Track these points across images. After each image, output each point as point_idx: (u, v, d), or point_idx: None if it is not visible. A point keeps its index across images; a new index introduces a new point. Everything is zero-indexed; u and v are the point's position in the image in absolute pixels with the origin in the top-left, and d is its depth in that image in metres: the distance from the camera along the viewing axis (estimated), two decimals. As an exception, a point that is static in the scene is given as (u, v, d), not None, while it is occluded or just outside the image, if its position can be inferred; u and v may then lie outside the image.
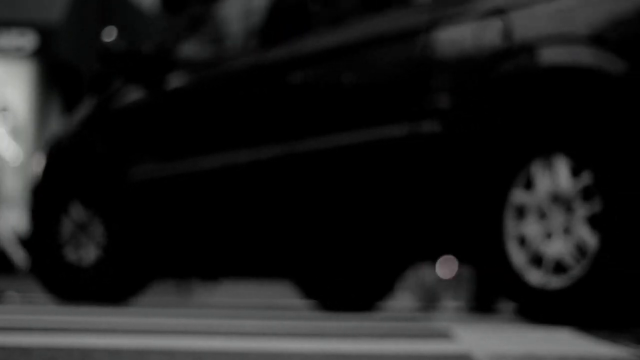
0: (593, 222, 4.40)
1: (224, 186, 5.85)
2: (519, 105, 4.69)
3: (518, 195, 4.66)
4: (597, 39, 4.42)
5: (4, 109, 14.86)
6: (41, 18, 14.21)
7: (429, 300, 11.36)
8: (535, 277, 4.56)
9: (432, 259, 5.51)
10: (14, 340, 2.79)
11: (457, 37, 4.93)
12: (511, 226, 4.67)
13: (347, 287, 6.94)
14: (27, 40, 14.20)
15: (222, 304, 7.95)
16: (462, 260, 5.40)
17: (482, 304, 8.70)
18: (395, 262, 5.77)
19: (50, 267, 6.52)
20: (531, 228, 4.60)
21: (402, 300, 12.43)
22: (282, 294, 13.15)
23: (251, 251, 5.83)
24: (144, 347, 2.68)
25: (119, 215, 6.32)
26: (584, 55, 4.44)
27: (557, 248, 4.52)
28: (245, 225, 5.76)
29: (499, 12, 4.79)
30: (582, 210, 4.45)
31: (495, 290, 4.92)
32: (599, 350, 2.80)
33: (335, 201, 5.38)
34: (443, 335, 3.54)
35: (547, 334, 3.69)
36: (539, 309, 4.57)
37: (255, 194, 5.71)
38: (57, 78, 15.05)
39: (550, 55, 4.56)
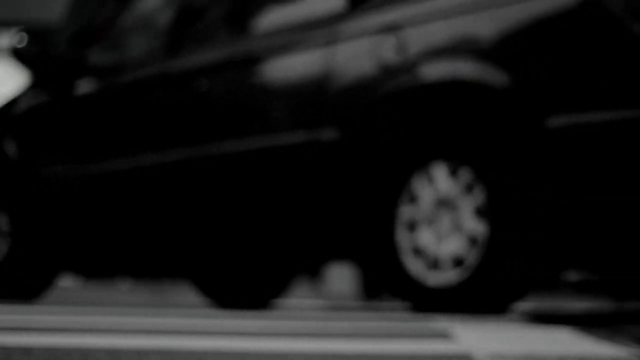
0: (480, 212, 4.73)
1: (127, 188, 6.13)
2: (403, 118, 5.02)
3: (405, 211, 4.98)
4: (482, 54, 4.71)
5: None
6: (41, 18, 14.22)
7: None
8: (433, 279, 4.85)
9: (327, 262, 5.85)
10: (14, 340, 2.79)
11: (355, 51, 5.21)
12: (404, 240, 4.98)
13: (243, 286, 7.22)
14: (27, 40, 14.20)
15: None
16: (355, 263, 5.78)
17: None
18: (291, 263, 6.03)
19: None
20: (424, 238, 4.91)
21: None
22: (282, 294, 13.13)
23: (152, 251, 6.09)
24: (143, 347, 2.68)
25: (28, 214, 6.55)
26: (468, 70, 4.74)
27: (450, 247, 4.83)
28: (148, 226, 6.02)
29: (393, 28, 5.07)
30: (467, 205, 4.78)
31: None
32: (599, 350, 2.81)
33: (234, 203, 5.62)
34: (443, 335, 3.54)
35: (547, 334, 3.69)
36: (440, 307, 4.84)
37: (156, 196, 5.98)
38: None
39: (438, 70, 4.86)
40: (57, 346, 2.65)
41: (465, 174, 4.80)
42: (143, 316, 4.55)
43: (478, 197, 4.75)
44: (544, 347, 2.92)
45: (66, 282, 12.28)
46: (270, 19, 5.76)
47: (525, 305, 9.16)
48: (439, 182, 4.88)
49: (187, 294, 14.21)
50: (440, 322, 4.54)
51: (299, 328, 3.79)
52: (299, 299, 11.39)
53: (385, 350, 2.74)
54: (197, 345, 2.78)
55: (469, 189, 4.79)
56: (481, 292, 4.73)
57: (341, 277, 18.46)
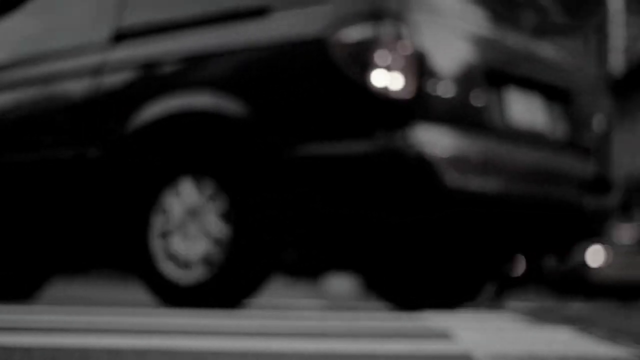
0: (224, 217, 5.42)
1: None
2: (156, 140, 5.70)
3: (158, 221, 5.67)
4: (222, 88, 5.46)
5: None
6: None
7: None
8: (185, 279, 5.54)
9: (94, 265, 6.38)
10: (14, 340, 2.80)
11: (117, 81, 5.96)
12: (157, 247, 5.66)
13: (8, 280, 7.85)
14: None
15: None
16: (116, 268, 6.40)
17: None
18: (52, 262, 6.55)
19: None
20: (175, 244, 5.58)
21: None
22: (282, 294, 13.16)
23: None
24: (144, 347, 2.68)
25: None
26: (205, 102, 5.49)
27: (199, 249, 5.50)
28: None
29: (150, 62, 5.85)
30: (212, 212, 5.47)
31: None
32: (599, 350, 2.81)
33: (8, 206, 6.33)
34: (443, 335, 3.54)
35: (547, 334, 3.69)
36: (193, 303, 5.54)
37: None
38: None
39: (181, 102, 5.59)
40: (57, 346, 2.65)
41: (210, 186, 5.51)
42: (143, 316, 4.55)
43: (222, 204, 5.45)
44: (544, 347, 2.92)
45: (65, 282, 12.29)
46: (46, 46, 6.50)
47: (525, 305, 9.13)
48: (186, 194, 5.60)
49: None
50: (440, 322, 4.54)
51: (299, 328, 3.79)
52: (298, 299, 11.40)
53: (385, 350, 2.74)
54: (197, 345, 2.78)
55: (213, 198, 5.50)
56: (226, 287, 5.44)
57: (340, 279, 18.45)
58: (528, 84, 5.82)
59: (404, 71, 5.08)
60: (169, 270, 5.59)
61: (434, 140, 5.09)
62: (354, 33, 5.13)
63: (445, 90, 5.23)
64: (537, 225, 5.72)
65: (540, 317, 6.38)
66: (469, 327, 4.14)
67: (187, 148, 5.63)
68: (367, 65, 5.07)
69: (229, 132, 5.42)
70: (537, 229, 5.75)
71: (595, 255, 23.11)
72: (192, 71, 5.64)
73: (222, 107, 5.42)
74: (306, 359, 2.45)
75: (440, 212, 5.15)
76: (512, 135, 5.58)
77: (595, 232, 6.16)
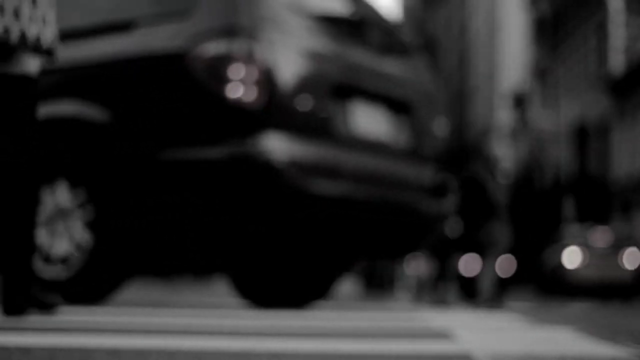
0: (89, 224, 5.79)
1: None
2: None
3: None
4: (87, 97, 5.82)
5: None
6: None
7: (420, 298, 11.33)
8: (47, 273, 5.86)
9: None
10: (14, 340, 2.80)
11: None
12: None
13: None
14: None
15: (222, 304, 7.96)
16: None
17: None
18: None
19: None
20: (42, 238, 5.90)
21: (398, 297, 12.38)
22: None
23: None
24: (144, 347, 2.68)
25: None
26: (69, 109, 5.85)
27: (62, 249, 5.85)
28: None
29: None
30: (79, 217, 5.81)
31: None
32: (599, 350, 2.81)
33: None
34: (443, 335, 3.54)
35: (547, 334, 3.69)
36: (43, 296, 5.85)
37: None
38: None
39: (51, 109, 5.93)
40: (57, 346, 2.65)
41: (81, 192, 5.84)
42: (143, 316, 4.55)
43: (89, 211, 5.78)
44: (544, 347, 2.92)
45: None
46: None
47: (525, 305, 9.13)
48: (59, 195, 5.91)
49: (187, 292, 14.19)
50: (440, 322, 4.54)
51: (299, 328, 3.79)
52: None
53: (385, 350, 2.74)
54: (197, 345, 2.78)
55: (82, 204, 5.82)
56: (87, 284, 5.78)
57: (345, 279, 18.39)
58: (373, 97, 6.24)
59: (255, 84, 5.52)
60: (46, 272, 5.89)
61: (282, 147, 5.54)
62: (211, 48, 5.56)
63: (293, 102, 5.68)
64: (378, 227, 6.11)
65: (540, 317, 6.38)
66: (469, 327, 4.14)
67: (55, 152, 5.98)
68: (222, 78, 5.51)
69: (92, 138, 5.78)
70: (378, 231, 6.13)
71: (572, 257, 23.54)
72: (63, 81, 6.00)
73: (86, 114, 5.79)
74: (306, 359, 2.45)
75: (286, 215, 5.54)
76: (356, 143, 6.01)
77: (432, 234, 6.62)
